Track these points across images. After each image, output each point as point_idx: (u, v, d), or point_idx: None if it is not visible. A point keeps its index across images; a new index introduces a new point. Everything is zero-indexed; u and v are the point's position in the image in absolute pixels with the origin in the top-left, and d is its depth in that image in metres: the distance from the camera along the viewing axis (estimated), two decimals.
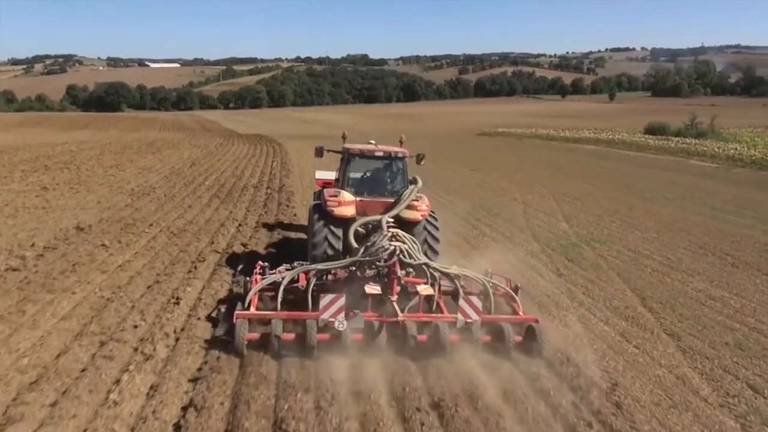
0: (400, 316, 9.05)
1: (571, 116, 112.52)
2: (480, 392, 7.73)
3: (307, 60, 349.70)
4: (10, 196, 21.79)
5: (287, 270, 10.39)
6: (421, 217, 11.58)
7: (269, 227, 17.91)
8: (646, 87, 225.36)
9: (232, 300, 10.37)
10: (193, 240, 15.80)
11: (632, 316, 11.14)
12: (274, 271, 10.49)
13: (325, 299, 8.76)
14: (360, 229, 11.26)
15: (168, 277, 12.32)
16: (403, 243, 9.95)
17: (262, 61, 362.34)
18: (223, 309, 9.95)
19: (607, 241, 17.34)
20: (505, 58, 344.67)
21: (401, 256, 9.62)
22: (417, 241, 10.50)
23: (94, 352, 8.58)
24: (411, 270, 10.10)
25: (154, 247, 14.91)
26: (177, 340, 9.15)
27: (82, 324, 9.65)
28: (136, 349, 8.70)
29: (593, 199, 25.34)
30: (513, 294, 10.32)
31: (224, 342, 8.98)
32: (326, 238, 11.28)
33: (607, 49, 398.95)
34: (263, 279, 10.19)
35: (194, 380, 7.88)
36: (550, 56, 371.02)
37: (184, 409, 7.15)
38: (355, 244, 10.70)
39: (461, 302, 9.23)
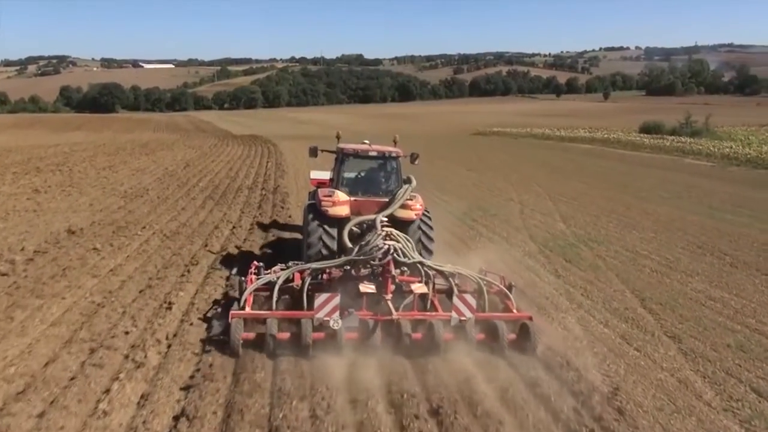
0: (395, 315, 9.10)
1: (566, 115, 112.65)
2: (479, 398, 7.56)
3: (302, 60, 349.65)
4: (1, 199, 21.50)
5: (282, 270, 10.39)
6: (415, 217, 11.63)
7: (264, 229, 17.72)
8: (640, 86, 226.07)
9: (228, 301, 10.32)
10: (186, 243, 15.58)
11: (632, 317, 11.00)
12: (269, 270, 10.48)
13: (320, 298, 8.79)
14: (354, 229, 11.29)
15: (160, 281, 12.10)
16: (398, 242, 9.96)
17: (257, 61, 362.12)
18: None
19: (604, 241, 17.21)
20: (499, 58, 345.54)
21: (395, 254, 9.66)
22: (411, 240, 10.54)
23: (84, 359, 8.36)
24: (405, 269, 10.09)
25: (147, 251, 14.69)
26: (169, 346, 8.95)
27: (72, 330, 9.42)
28: (126, 357, 8.49)
29: (590, 198, 25.24)
30: (507, 292, 10.33)
31: (217, 347, 8.80)
32: (321, 238, 11.34)
33: (601, 49, 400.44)
34: (258, 279, 10.18)
35: (186, 388, 7.67)
36: (545, 56, 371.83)
37: (176, 419, 6.95)
38: (349, 244, 10.69)
39: (455, 300, 9.26)
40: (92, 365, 8.10)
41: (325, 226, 11.42)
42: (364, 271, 10.05)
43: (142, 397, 7.44)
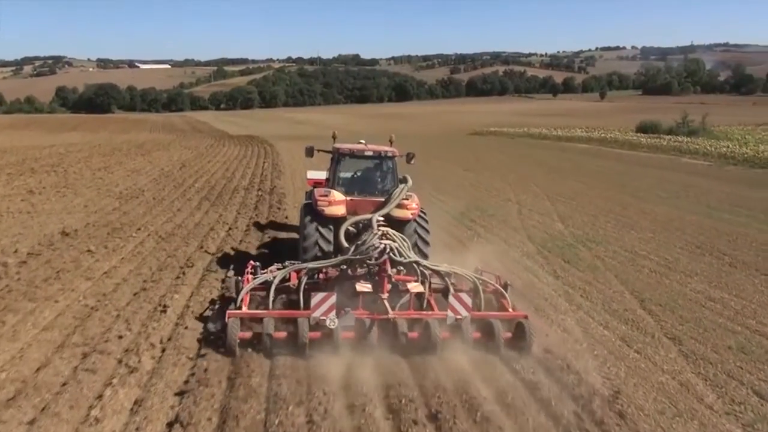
0: (391, 314, 9.13)
1: (562, 115, 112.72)
2: (479, 402, 7.44)
3: (299, 60, 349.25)
4: None
5: (279, 269, 10.41)
6: (411, 216, 11.66)
7: (260, 230, 17.57)
8: (636, 85, 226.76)
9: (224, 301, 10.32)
10: (181, 244, 15.42)
11: (632, 319, 10.90)
12: (265, 270, 10.47)
13: (317, 297, 8.80)
14: (351, 228, 11.31)
15: (155, 284, 11.94)
16: (394, 241, 9.99)
17: (254, 61, 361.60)
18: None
19: (603, 241, 17.12)
20: (496, 58, 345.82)
21: (391, 254, 9.67)
22: (407, 240, 10.59)
23: (76, 364, 8.21)
24: (401, 268, 10.10)
25: (142, 253, 14.53)
26: (163, 350, 8.81)
27: (65, 335, 9.27)
28: (120, 361, 8.34)
29: (587, 198, 25.16)
30: (503, 291, 10.34)
31: (212, 351, 8.66)
32: (317, 238, 11.41)
33: (597, 48, 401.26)
34: (255, 278, 10.18)
35: (180, 394, 7.54)
36: (541, 55, 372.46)
37: (170, 425, 6.82)
38: (345, 243, 10.77)
39: (451, 299, 9.29)
40: (85, 370, 7.96)
41: (322, 226, 11.43)
42: (360, 271, 10.03)
43: (135, 403, 7.30)
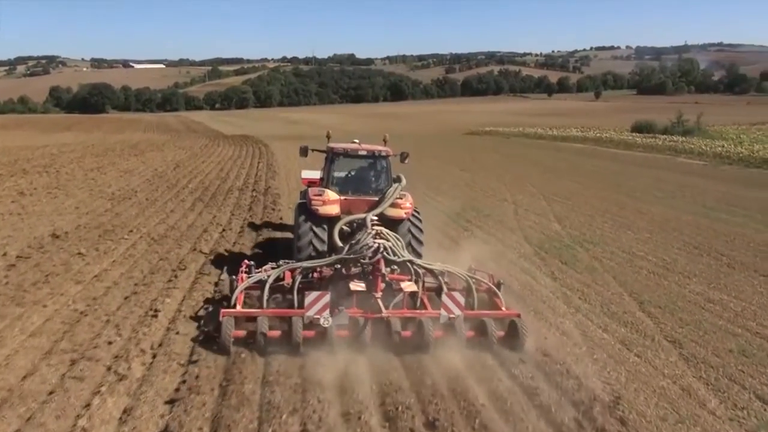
0: (385, 313, 9.19)
1: (557, 115, 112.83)
2: (477, 409, 7.27)
3: (294, 60, 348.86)
4: None
5: (273, 268, 10.43)
6: (405, 215, 11.71)
7: (254, 232, 17.35)
8: (631, 85, 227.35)
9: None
10: (174, 246, 15.19)
11: (631, 321, 10.75)
12: (260, 269, 10.49)
13: (310, 296, 8.86)
14: (345, 228, 11.36)
15: (146, 288, 11.71)
16: (387, 240, 10.02)
17: (248, 61, 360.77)
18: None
19: (600, 242, 16.99)
20: (491, 57, 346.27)
21: (385, 253, 9.69)
22: (401, 239, 10.64)
23: (64, 372, 7.98)
24: (395, 267, 10.10)
25: (133, 255, 14.29)
26: (154, 356, 8.59)
27: (53, 341, 9.03)
28: (109, 368, 8.11)
29: (584, 198, 25.05)
30: (495, 290, 10.45)
31: (203, 358, 8.46)
32: (311, 237, 11.45)
33: (592, 48, 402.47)
34: (249, 277, 10.20)
35: (171, 402, 7.33)
36: (536, 55, 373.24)
37: None
38: (339, 243, 10.78)
39: (444, 298, 9.35)
40: (72, 378, 7.74)
41: (316, 225, 11.48)
42: (354, 270, 10.06)
43: (124, 412, 7.09)
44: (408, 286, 9.94)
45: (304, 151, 13.87)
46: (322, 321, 8.72)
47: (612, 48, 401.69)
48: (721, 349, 9.58)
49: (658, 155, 45.87)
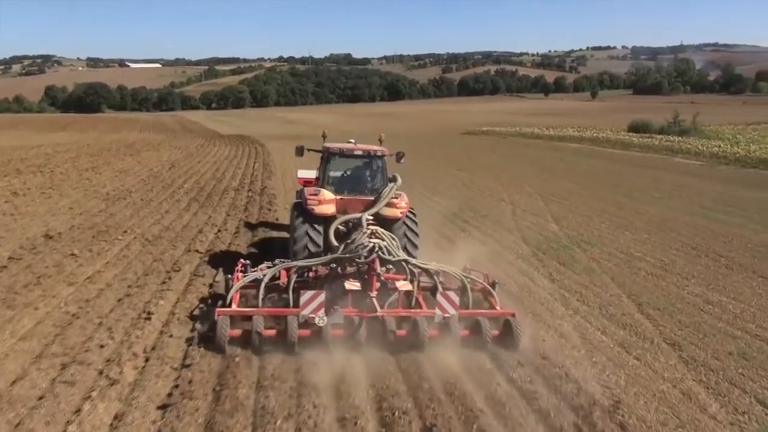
0: (380, 312, 9.22)
1: (554, 114, 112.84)
2: (475, 414, 7.15)
3: (290, 60, 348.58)
4: None
5: (268, 267, 10.43)
6: (400, 215, 11.72)
7: (250, 233, 17.19)
8: (627, 85, 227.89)
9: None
10: (168, 247, 15.03)
11: (630, 323, 10.65)
12: (255, 268, 10.49)
13: (306, 296, 8.85)
14: (340, 227, 11.37)
15: (140, 289, 11.56)
16: (383, 240, 10.03)
17: (245, 60, 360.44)
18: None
19: (598, 242, 16.89)
20: (488, 57, 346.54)
21: (380, 252, 9.73)
22: (396, 238, 10.67)
23: (54, 376, 7.83)
24: (390, 266, 10.09)
25: (127, 256, 14.12)
26: (146, 360, 8.44)
27: (43, 344, 8.87)
28: (100, 373, 7.97)
29: (581, 198, 24.97)
30: (490, 289, 10.51)
31: (197, 361, 8.31)
32: (307, 236, 11.47)
33: (588, 48, 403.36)
34: (245, 276, 10.20)
35: (163, 407, 7.18)
36: (533, 55, 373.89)
37: None
38: (335, 242, 10.80)
39: (439, 297, 9.34)
40: (63, 383, 7.59)
41: (312, 225, 11.48)
42: (349, 269, 10.06)
43: (115, 417, 6.94)
44: (403, 285, 9.95)
45: (300, 151, 13.88)
46: (317, 320, 8.73)
47: (608, 48, 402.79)
48: (720, 351, 9.49)
49: (654, 155, 45.86)
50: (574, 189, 27.70)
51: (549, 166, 37.72)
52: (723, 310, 11.44)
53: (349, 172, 13.00)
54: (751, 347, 9.69)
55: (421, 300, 10.16)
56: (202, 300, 10.92)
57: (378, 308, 9.27)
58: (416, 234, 11.96)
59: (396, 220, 11.66)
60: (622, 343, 9.77)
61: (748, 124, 72.15)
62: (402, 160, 13.51)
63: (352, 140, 13.00)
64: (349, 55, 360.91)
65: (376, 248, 9.67)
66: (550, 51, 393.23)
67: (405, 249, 11.16)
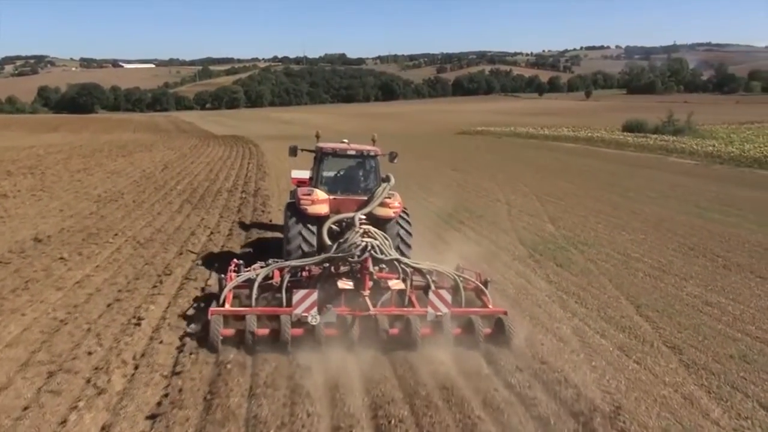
0: (373, 311, 9.26)
1: (548, 114, 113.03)
2: (473, 422, 6.96)
3: (285, 60, 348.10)
4: None
5: (262, 267, 10.41)
6: (393, 215, 11.75)
7: (243, 235, 16.97)
8: (621, 84, 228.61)
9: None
10: (160, 250, 14.78)
11: (629, 326, 10.49)
12: (248, 268, 10.49)
13: (298, 295, 8.89)
14: (333, 227, 11.40)
15: (130, 294, 11.31)
16: (375, 239, 9.98)
17: (239, 61, 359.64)
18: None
19: (595, 243, 16.75)
20: (482, 57, 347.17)
21: (373, 252, 9.73)
22: (389, 238, 10.63)
23: (40, 385, 7.58)
24: (383, 266, 10.07)
25: (118, 260, 13.87)
26: (135, 368, 8.20)
27: (30, 352, 8.62)
28: (88, 381, 7.73)
29: (577, 198, 24.86)
30: (482, 288, 10.56)
31: (187, 369, 8.09)
32: (300, 236, 11.43)
33: (582, 48, 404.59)
34: (238, 276, 10.21)
35: (152, 417, 6.96)
36: (527, 55, 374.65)
37: None
38: (328, 241, 10.75)
39: (431, 296, 9.39)
40: (49, 392, 7.34)
41: (305, 225, 11.50)
42: (342, 268, 10.07)
43: (102, 429, 6.71)
44: (396, 284, 10.03)
45: (293, 151, 13.87)
46: (309, 319, 8.77)
47: (602, 48, 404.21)
48: (721, 354, 9.34)
49: (649, 155, 45.88)
50: (569, 189, 27.60)
51: (544, 166, 37.64)
52: (722, 312, 11.30)
53: (342, 172, 13.00)
54: (752, 350, 9.55)
55: (413, 299, 10.20)
56: (196, 300, 10.84)
57: (371, 307, 9.30)
58: (409, 234, 11.99)
59: (389, 219, 11.68)
60: (621, 346, 9.62)
61: (741, 123, 72.48)
62: (395, 160, 13.47)
63: (345, 140, 12.95)
64: (343, 55, 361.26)
65: (369, 247, 9.67)
66: (544, 51, 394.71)
67: (398, 249, 11.14)
